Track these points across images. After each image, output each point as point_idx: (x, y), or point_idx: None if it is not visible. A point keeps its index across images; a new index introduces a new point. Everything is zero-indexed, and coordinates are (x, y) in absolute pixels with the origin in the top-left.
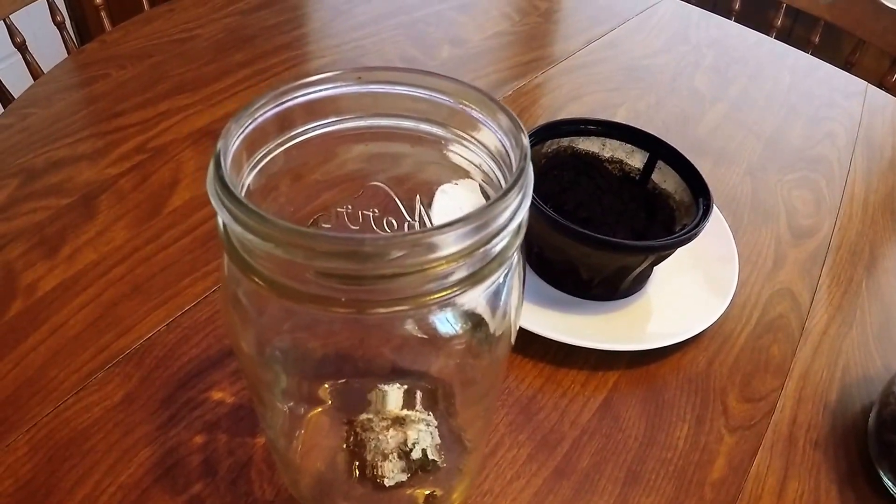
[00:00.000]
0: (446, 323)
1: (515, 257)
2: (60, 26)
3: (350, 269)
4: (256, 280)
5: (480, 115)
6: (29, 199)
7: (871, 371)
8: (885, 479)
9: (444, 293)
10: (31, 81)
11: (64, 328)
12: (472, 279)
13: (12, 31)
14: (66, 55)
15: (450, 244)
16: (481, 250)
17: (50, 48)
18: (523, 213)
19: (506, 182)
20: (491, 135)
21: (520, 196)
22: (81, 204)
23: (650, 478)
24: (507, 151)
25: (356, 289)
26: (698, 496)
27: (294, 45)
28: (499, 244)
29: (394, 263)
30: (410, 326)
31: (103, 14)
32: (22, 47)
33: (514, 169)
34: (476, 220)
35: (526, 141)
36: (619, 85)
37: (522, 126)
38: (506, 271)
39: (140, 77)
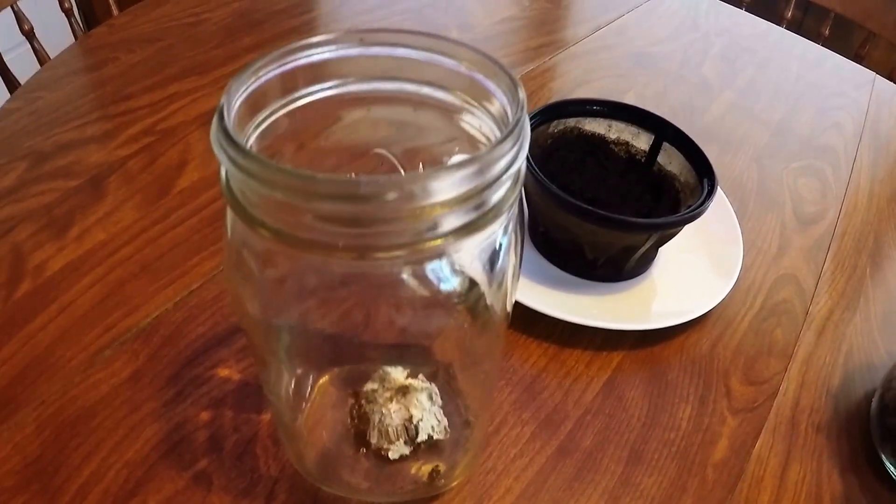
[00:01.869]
0: (444, 278)
1: (512, 220)
2: (68, 13)
3: (348, 210)
4: (261, 231)
5: (481, 77)
6: (37, 182)
7: (874, 357)
8: (888, 464)
9: (441, 241)
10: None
11: (72, 307)
12: (468, 229)
13: (20, 18)
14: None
15: (445, 189)
16: (477, 198)
17: (57, 36)
18: (519, 164)
19: None
20: (492, 96)
21: (516, 147)
22: (90, 185)
23: (653, 458)
24: (506, 111)
25: (354, 231)
26: (701, 477)
27: (302, 30)
28: (495, 194)
29: (390, 206)
30: (408, 278)
31: (111, 1)
32: (30, 35)
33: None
34: (472, 165)
35: (522, 95)
36: (627, 71)
37: (519, 82)
38: (503, 225)
39: (149, 60)
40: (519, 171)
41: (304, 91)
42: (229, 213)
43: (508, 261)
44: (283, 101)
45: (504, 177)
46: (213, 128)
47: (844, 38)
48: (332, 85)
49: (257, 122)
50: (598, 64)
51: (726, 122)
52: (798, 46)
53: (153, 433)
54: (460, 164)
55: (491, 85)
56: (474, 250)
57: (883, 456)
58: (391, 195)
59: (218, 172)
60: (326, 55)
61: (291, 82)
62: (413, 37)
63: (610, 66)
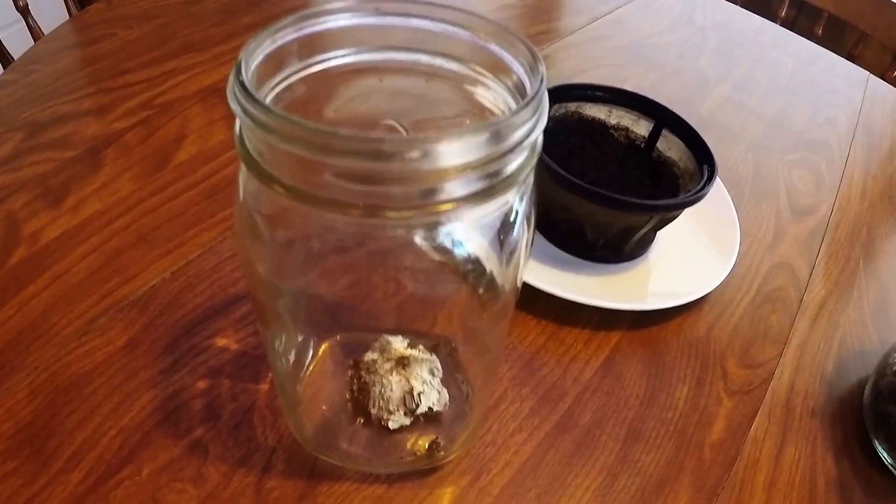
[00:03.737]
0: (456, 244)
1: (527, 193)
2: None
3: (368, 167)
4: (276, 188)
5: (497, 48)
6: (33, 152)
7: (867, 345)
8: (880, 449)
9: (454, 204)
10: None
11: (67, 275)
12: (483, 195)
13: None
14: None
15: (464, 151)
16: (494, 164)
17: (52, 13)
18: (536, 135)
19: None
20: (508, 68)
21: (534, 117)
22: (87, 156)
23: (650, 436)
24: (523, 83)
25: (369, 189)
26: (698, 456)
27: (301, 10)
28: (511, 163)
29: (411, 165)
30: (420, 242)
31: None
32: (24, 11)
33: (529, 94)
34: (491, 129)
35: (542, 69)
36: (624, 62)
37: (539, 55)
38: (518, 195)
39: (147, 37)
40: (536, 141)
41: (318, 57)
42: (242, 173)
43: (522, 232)
44: (299, 67)
45: (521, 146)
46: (230, 81)
47: (837, 38)
48: (346, 53)
49: (272, 84)
50: (594, 54)
51: (722, 115)
52: (793, 44)
53: (149, 401)
54: (479, 128)
55: (508, 57)
56: (488, 219)
57: (876, 442)
58: (413, 153)
59: (233, 131)
60: (342, 23)
61: (307, 48)
62: (429, 7)
63: (606, 57)
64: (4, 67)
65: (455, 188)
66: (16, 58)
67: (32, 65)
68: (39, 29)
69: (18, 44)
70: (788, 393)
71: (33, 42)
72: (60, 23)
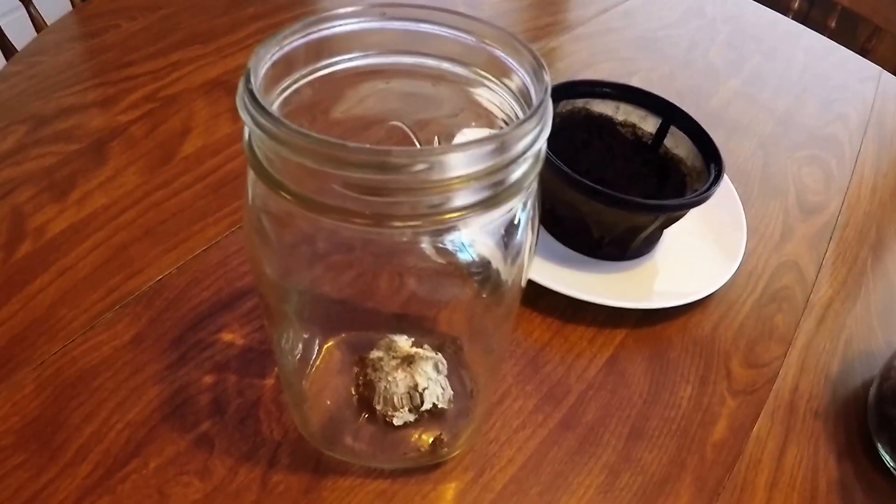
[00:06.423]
0: (461, 249)
1: (531, 198)
2: None
3: (375, 179)
4: (284, 195)
5: (502, 54)
6: (38, 145)
7: (873, 346)
8: (883, 452)
9: (459, 213)
10: (35, 35)
11: (73, 269)
12: (487, 203)
13: None
14: (70, 9)
15: (469, 163)
16: (498, 174)
17: (53, 1)
18: (540, 144)
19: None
20: (513, 73)
21: (538, 127)
22: (91, 150)
23: (653, 434)
24: (528, 89)
25: (378, 200)
26: (700, 455)
27: (307, 1)
28: (515, 172)
29: (417, 177)
30: (426, 247)
31: None
32: (26, 0)
33: (533, 103)
34: (496, 141)
35: (547, 77)
36: (633, 55)
37: (544, 63)
38: (522, 202)
39: (151, 28)
40: (540, 150)
41: (326, 61)
42: (250, 176)
43: (526, 236)
44: (306, 71)
45: (525, 155)
46: (240, 91)
47: (850, 32)
48: (353, 56)
49: (281, 89)
50: (603, 46)
51: (732, 109)
52: (805, 38)
53: (155, 395)
54: (484, 140)
55: (512, 62)
56: (492, 225)
57: (879, 445)
58: (420, 166)
59: (242, 135)
60: (349, 27)
61: (315, 52)
62: (435, 12)
63: (616, 49)
64: (6, 55)
65: (460, 198)
66: (16, 45)
67: (36, 56)
68: (41, 17)
69: (18, 31)
70: (792, 393)
71: (34, 29)
72: (62, 11)
